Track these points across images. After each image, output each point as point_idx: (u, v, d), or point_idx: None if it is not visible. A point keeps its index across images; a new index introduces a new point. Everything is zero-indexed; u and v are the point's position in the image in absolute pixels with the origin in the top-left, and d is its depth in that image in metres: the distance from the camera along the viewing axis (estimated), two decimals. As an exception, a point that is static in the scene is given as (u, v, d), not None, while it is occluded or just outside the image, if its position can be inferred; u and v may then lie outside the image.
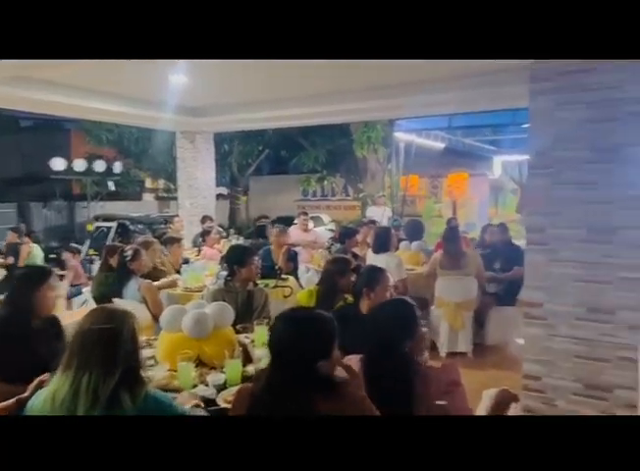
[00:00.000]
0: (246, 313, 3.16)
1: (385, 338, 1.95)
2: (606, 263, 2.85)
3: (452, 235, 5.13)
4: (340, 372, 1.66)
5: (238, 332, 2.82)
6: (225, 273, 3.52)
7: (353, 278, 3.18)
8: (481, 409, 1.87)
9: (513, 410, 1.87)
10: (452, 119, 9.61)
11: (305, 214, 7.28)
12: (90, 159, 13.47)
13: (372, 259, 4.81)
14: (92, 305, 3.77)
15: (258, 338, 2.66)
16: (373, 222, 6.98)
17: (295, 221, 7.26)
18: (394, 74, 5.23)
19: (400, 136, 10.43)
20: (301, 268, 5.51)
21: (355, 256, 5.04)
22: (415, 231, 6.11)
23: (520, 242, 4.70)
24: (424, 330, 2.01)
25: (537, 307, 3.06)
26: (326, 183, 15.31)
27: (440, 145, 11.04)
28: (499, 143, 12.22)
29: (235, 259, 3.43)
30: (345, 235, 5.66)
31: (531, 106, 3.02)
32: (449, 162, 12.06)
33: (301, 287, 4.69)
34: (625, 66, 2.71)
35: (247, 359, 2.51)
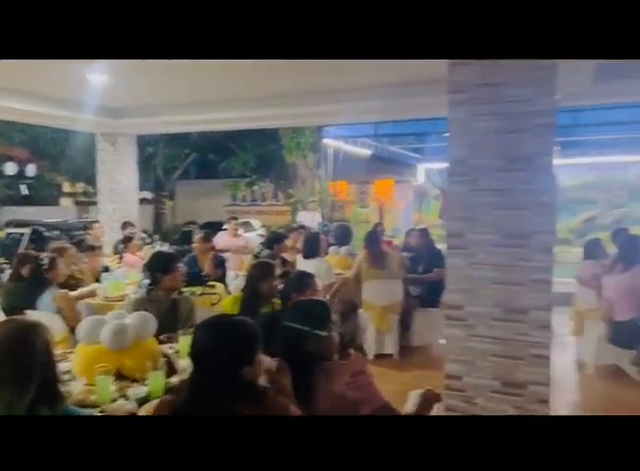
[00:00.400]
0: (171, 323, 3.05)
1: (290, 336, 2.00)
2: (519, 266, 3.01)
3: (373, 238, 5.31)
4: (264, 378, 1.65)
5: (161, 342, 2.73)
6: (147, 281, 3.39)
7: (278, 282, 3.17)
8: (407, 409, 1.92)
9: (436, 410, 1.94)
10: (377, 127, 9.84)
11: (235, 219, 7.18)
12: (-1, 161, 12.59)
13: (302, 264, 4.83)
14: (0, 318, 3.51)
15: (183, 348, 2.58)
16: (303, 227, 7.01)
17: (225, 226, 7.14)
18: (320, 81, 5.30)
19: (329, 143, 10.56)
20: (230, 274, 5.41)
21: (285, 261, 5.03)
22: (344, 235, 6.20)
23: (443, 246, 4.90)
24: (334, 327, 2.05)
25: (458, 309, 3.18)
26: (256, 187, 15.20)
27: (366, 152, 11.28)
28: (422, 151, 12.67)
29: (158, 266, 3.31)
30: (273, 240, 5.63)
31: (450, 116, 3.13)
32: (375, 169, 12.34)
33: (230, 294, 4.61)
34: (533, 81, 2.90)
35: (172, 371, 2.43)
